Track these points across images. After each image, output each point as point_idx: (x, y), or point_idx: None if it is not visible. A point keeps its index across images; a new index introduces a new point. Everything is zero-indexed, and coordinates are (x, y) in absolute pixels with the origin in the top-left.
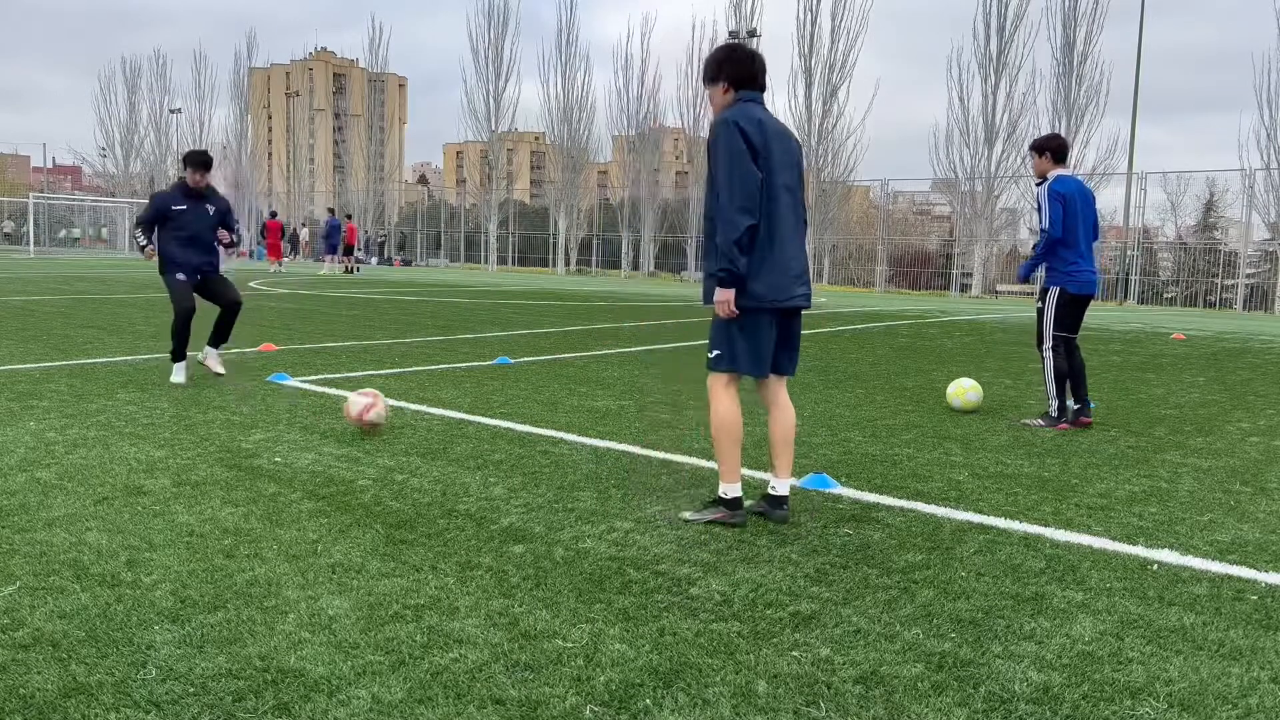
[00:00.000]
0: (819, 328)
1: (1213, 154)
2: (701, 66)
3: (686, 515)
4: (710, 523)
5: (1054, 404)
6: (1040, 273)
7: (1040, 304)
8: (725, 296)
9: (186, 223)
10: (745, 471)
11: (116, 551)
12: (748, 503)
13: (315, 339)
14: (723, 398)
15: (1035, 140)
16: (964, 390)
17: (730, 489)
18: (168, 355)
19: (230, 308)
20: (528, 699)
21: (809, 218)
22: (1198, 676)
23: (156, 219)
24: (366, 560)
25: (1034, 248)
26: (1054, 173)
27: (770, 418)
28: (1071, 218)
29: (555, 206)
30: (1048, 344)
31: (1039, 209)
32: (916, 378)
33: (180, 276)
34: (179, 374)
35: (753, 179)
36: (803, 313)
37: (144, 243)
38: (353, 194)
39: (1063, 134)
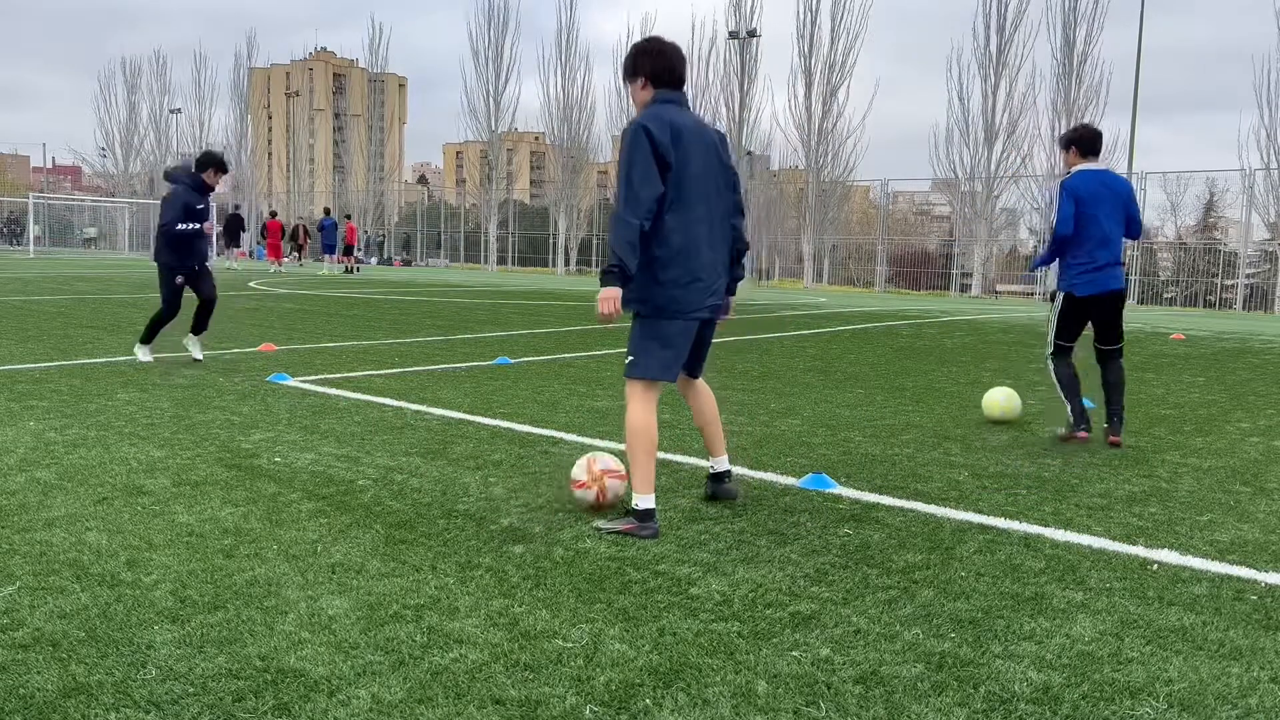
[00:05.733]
0: (819, 328)
1: (1213, 154)
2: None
3: (599, 524)
4: (619, 534)
5: (1068, 410)
6: (1051, 273)
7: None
8: (609, 294)
9: (201, 219)
10: (746, 471)
11: (116, 551)
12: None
13: (315, 339)
14: (638, 405)
15: (1063, 135)
16: (999, 403)
17: (642, 500)
18: (165, 353)
19: (207, 303)
20: (528, 699)
21: (798, 215)
22: (1198, 676)
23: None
24: (366, 560)
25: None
26: (1079, 166)
27: (692, 408)
28: (1086, 215)
29: (555, 206)
30: (1049, 350)
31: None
32: (916, 378)
33: (179, 280)
34: (146, 355)
35: (650, 191)
36: (807, 313)
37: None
38: (353, 194)
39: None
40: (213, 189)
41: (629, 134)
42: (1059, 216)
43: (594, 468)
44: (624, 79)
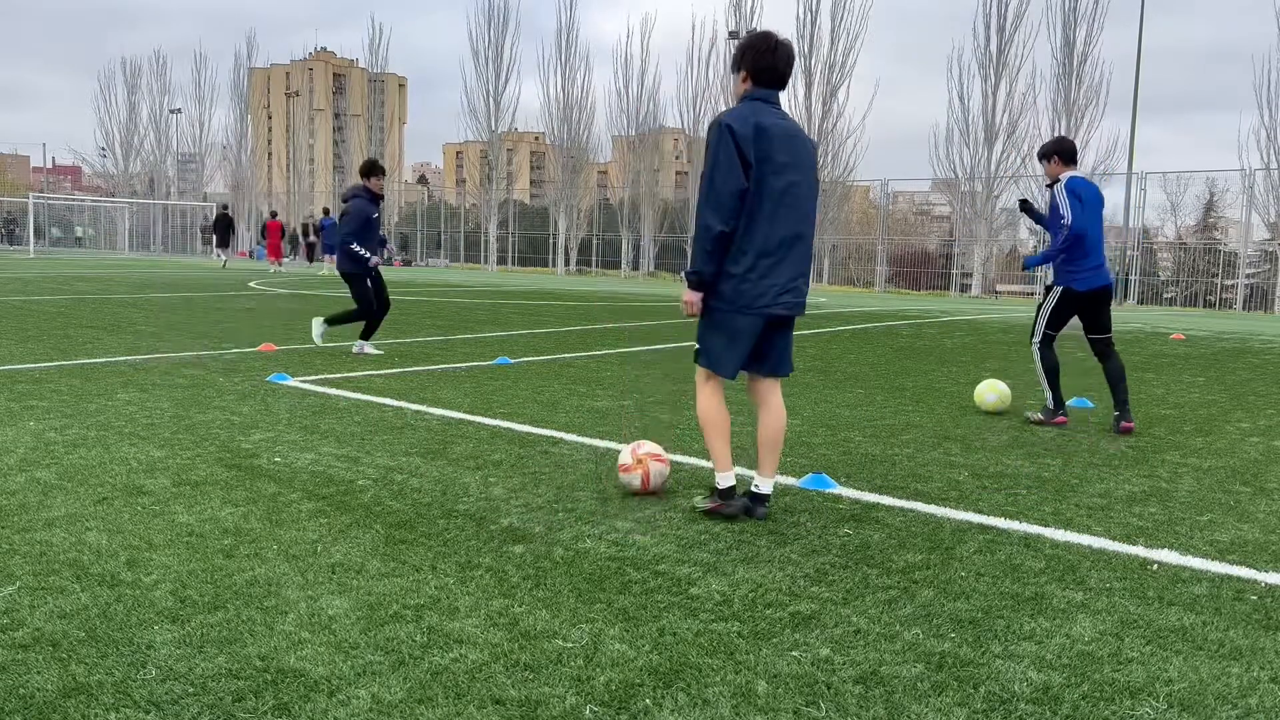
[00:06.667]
0: (819, 328)
1: (1213, 154)
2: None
3: (695, 502)
4: (707, 513)
5: (1049, 396)
6: (1047, 270)
7: (1041, 300)
8: (691, 298)
9: (377, 226)
10: (745, 471)
11: (116, 551)
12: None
13: None
14: (703, 393)
15: (1042, 147)
16: (984, 395)
17: (722, 478)
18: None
19: (383, 307)
20: (528, 699)
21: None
22: (1198, 676)
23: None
24: (366, 560)
25: (1051, 244)
26: (1066, 174)
27: (758, 419)
28: (1086, 216)
29: (555, 206)
30: (1036, 339)
31: (1055, 208)
32: (916, 378)
33: (368, 282)
34: (321, 331)
35: (731, 187)
36: (806, 312)
37: (368, 254)
38: None
39: (1063, 134)
40: (379, 193)
41: (713, 131)
42: (1071, 215)
43: (638, 451)
44: (731, 69)
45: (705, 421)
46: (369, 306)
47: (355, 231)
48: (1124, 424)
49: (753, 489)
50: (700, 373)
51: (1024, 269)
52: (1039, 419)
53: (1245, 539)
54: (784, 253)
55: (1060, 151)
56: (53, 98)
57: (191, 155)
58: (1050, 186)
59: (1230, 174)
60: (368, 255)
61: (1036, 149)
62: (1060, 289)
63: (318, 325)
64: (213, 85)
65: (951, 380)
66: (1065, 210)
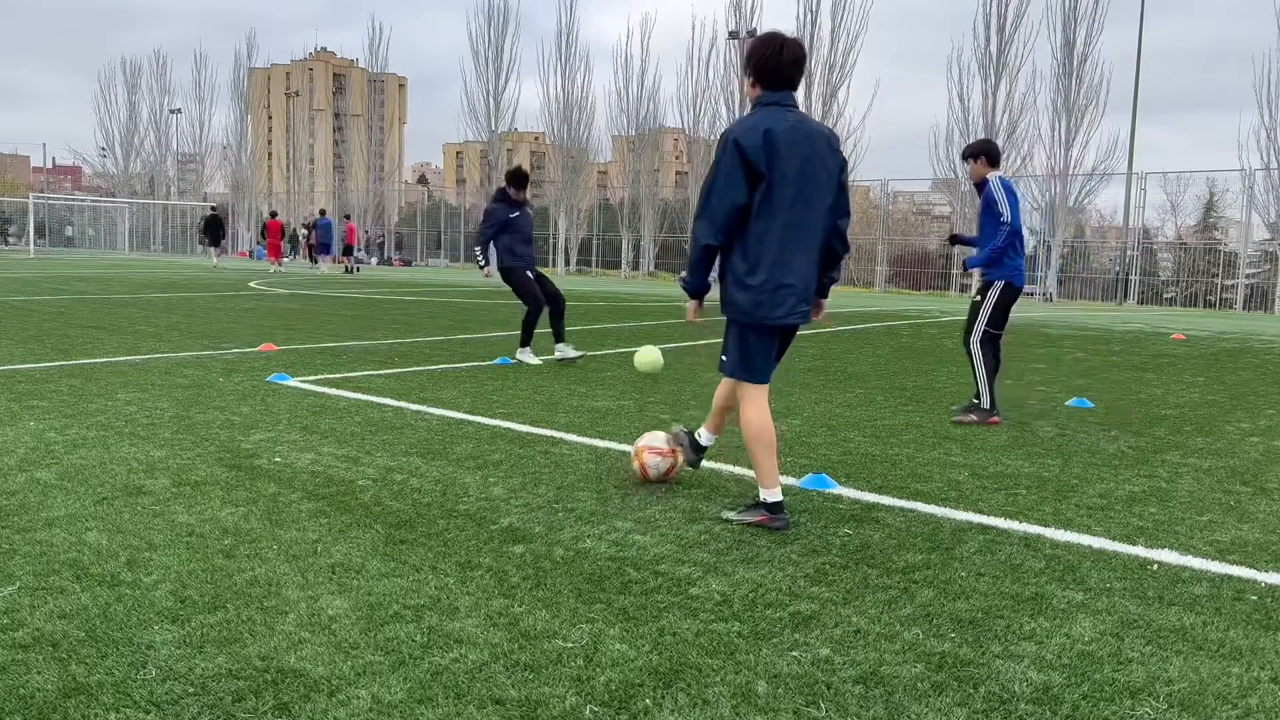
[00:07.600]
0: (819, 327)
1: (1213, 154)
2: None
3: (728, 515)
4: (750, 525)
5: (986, 397)
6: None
7: (979, 299)
8: (690, 306)
9: (522, 226)
10: (746, 472)
11: (116, 551)
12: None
13: (315, 339)
14: (748, 406)
15: (969, 147)
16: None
17: (769, 494)
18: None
19: (554, 300)
20: (528, 699)
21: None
22: (1198, 676)
23: (499, 229)
24: (366, 560)
25: (987, 242)
26: (993, 174)
27: (722, 396)
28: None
29: (555, 206)
30: (976, 336)
31: (991, 205)
32: (916, 378)
33: (530, 275)
34: (532, 357)
35: (728, 202)
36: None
37: (484, 262)
38: (352, 194)
39: (1062, 134)
40: (518, 201)
41: (720, 144)
42: (1011, 211)
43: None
44: (743, 72)
45: (755, 435)
46: (536, 299)
47: (483, 234)
48: (993, 418)
49: (699, 437)
50: (741, 386)
51: (965, 269)
52: (971, 419)
53: (1245, 539)
54: (796, 262)
55: (988, 152)
56: (53, 98)
57: (191, 155)
58: (980, 186)
59: (1230, 174)
60: (484, 263)
61: (1038, 148)
62: (1002, 284)
63: (522, 354)
64: (213, 85)
65: (951, 380)
66: (1004, 208)
